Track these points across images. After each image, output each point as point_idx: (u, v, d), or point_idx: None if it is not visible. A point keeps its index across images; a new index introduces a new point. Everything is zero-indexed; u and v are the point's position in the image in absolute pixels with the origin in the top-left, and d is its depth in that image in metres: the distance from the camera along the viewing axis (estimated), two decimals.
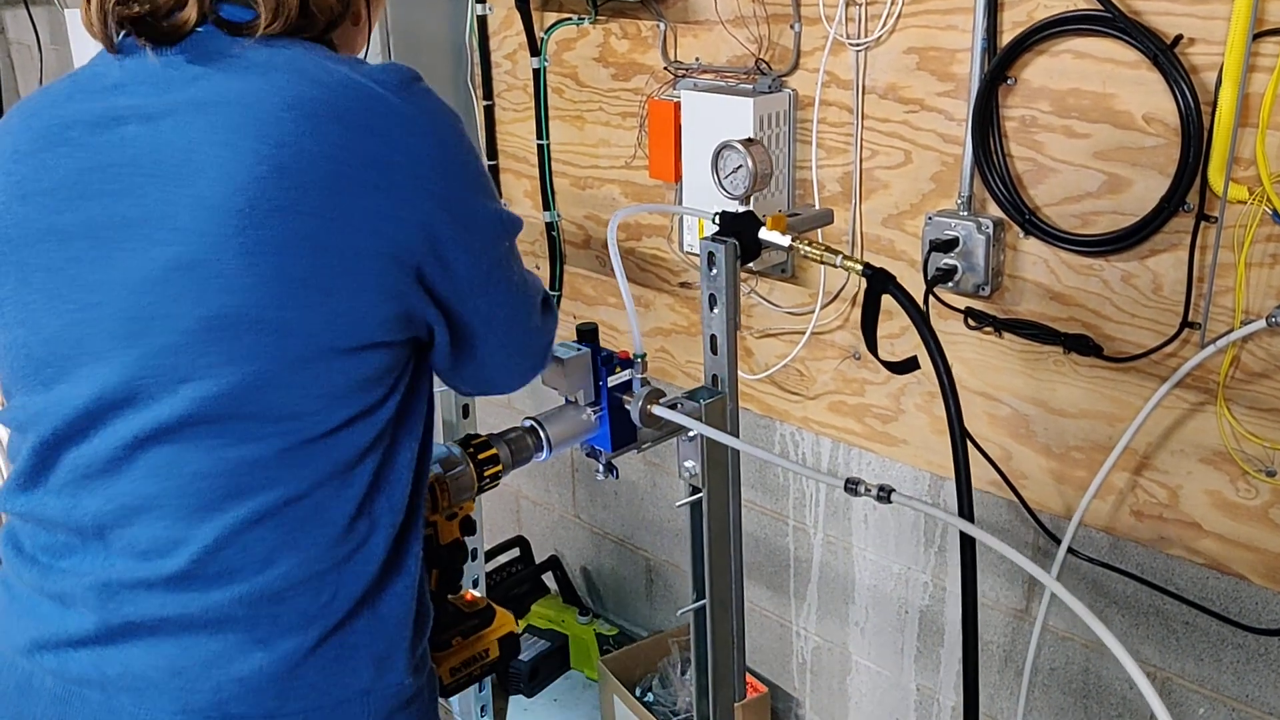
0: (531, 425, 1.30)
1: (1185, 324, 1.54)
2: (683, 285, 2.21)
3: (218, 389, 0.93)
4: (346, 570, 1.00)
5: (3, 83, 3.85)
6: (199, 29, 0.97)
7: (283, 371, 0.94)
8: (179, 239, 0.92)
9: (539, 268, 2.48)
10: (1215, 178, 1.44)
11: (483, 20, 2.38)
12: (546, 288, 2.42)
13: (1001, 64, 1.61)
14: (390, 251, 0.95)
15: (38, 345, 0.99)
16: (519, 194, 2.48)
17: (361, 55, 1.12)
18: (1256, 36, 1.38)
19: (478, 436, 1.29)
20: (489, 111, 2.45)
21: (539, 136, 2.34)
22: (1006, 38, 1.61)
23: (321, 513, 0.98)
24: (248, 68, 0.95)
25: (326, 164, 0.92)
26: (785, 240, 1.31)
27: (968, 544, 1.33)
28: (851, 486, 1.10)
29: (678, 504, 1.38)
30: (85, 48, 2.74)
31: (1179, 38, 1.45)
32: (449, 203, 0.98)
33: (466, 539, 1.30)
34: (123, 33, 0.98)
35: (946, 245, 1.71)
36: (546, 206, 2.39)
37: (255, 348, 0.93)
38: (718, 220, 1.33)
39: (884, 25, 1.74)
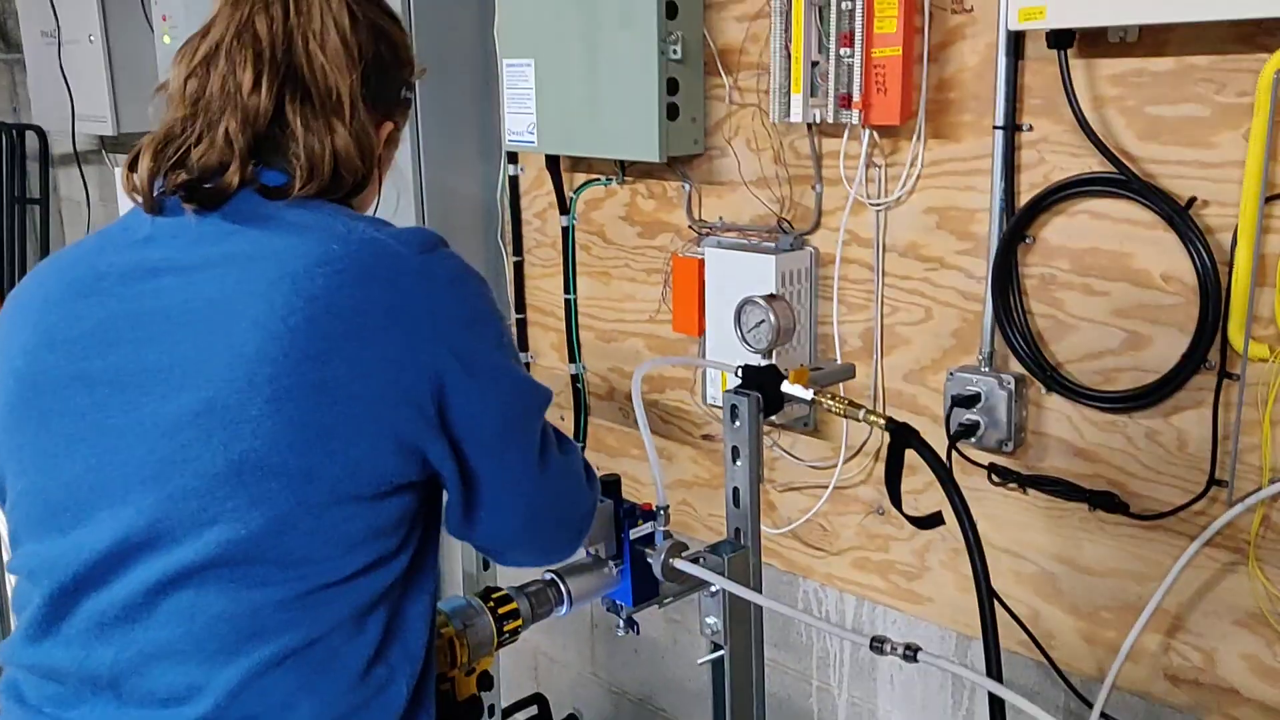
0: (552, 579, 1.30)
1: (1212, 481, 1.53)
2: (705, 438, 2.22)
3: (242, 532, 0.95)
4: (366, 716, 1.01)
5: (51, 237, 3.99)
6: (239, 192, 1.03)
7: (305, 516, 0.96)
8: (209, 385, 0.95)
9: (563, 418, 2.50)
10: (1235, 336, 1.45)
11: (514, 180, 2.46)
12: (572, 438, 2.45)
13: (1020, 223, 1.64)
14: (410, 399, 0.98)
15: (55, 490, 1.00)
16: (545, 346, 2.51)
17: (374, 210, 1.18)
18: (1269, 200, 1.40)
19: (498, 589, 1.28)
20: (518, 267, 2.50)
21: (566, 291, 2.39)
22: (1024, 198, 1.65)
23: (338, 657, 0.99)
24: (281, 226, 1.01)
25: (354, 316, 0.96)
26: (807, 394, 1.32)
27: (996, 706, 1.29)
28: (877, 645, 1.08)
29: (699, 662, 1.36)
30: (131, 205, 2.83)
31: (1193, 200, 1.48)
32: (465, 354, 1.01)
33: (483, 694, 1.28)
34: (167, 196, 1.04)
35: (969, 401, 1.71)
36: (572, 359, 2.42)
37: (279, 492, 0.95)
38: (741, 374, 1.34)
39: (903, 186, 1.78)
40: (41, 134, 3.85)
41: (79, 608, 0.99)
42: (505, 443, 1.07)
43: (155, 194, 1.04)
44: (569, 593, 1.29)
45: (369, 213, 1.16)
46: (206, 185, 1.02)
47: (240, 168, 1.02)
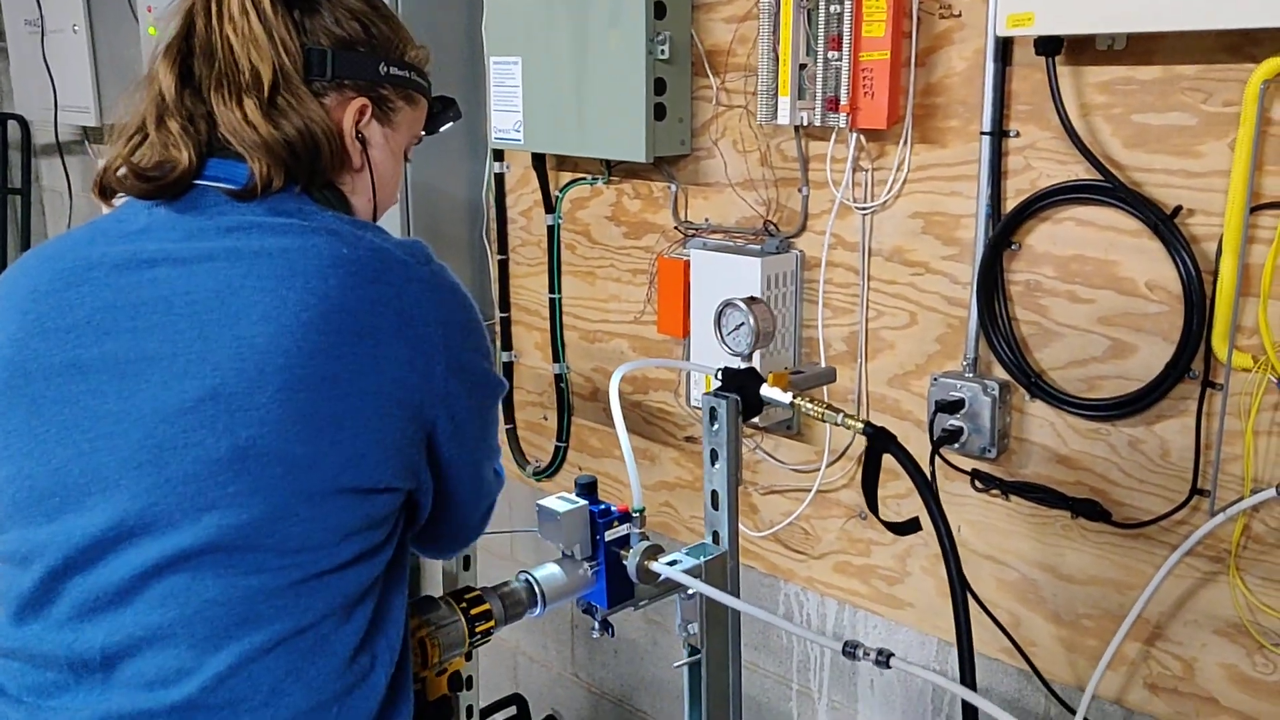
0: (526, 580, 1.28)
1: (1194, 491, 1.52)
2: (688, 439, 2.21)
3: (241, 518, 0.96)
4: (349, 702, 1.02)
5: (32, 227, 3.96)
6: (215, 195, 1.05)
7: (303, 505, 0.98)
8: (216, 372, 0.96)
9: (546, 418, 2.49)
10: (1219, 345, 1.45)
11: (500, 178, 2.45)
12: (556, 439, 2.44)
13: (1005, 230, 1.64)
14: (413, 401, 1.02)
15: (44, 476, 1.00)
16: (529, 346, 2.50)
17: (370, 201, 1.18)
18: (1254, 210, 1.40)
19: (471, 590, 1.27)
20: (503, 265, 2.49)
21: (551, 290, 2.37)
22: (1010, 204, 1.64)
23: (327, 644, 1.01)
24: (284, 228, 1.03)
25: (367, 316, 1.00)
26: (786, 397, 1.31)
27: (970, 714, 1.28)
28: (850, 650, 1.07)
29: (676, 665, 1.35)
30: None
31: (1178, 208, 1.47)
32: (463, 366, 1.07)
33: (461, 695, 1.26)
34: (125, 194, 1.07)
35: (952, 406, 1.71)
36: (556, 358, 2.41)
37: (279, 480, 0.97)
38: (720, 377, 1.33)
39: (890, 190, 1.78)
40: (24, 124, 3.83)
41: (67, 591, 0.99)
42: (480, 442, 1.13)
43: (109, 191, 1.08)
44: (542, 594, 1.27)
45: (368, 211, 1.18)
46: (152, 174, 1.05)
47: (184, 155, 1.05)
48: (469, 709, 2.13)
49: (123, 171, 1.06)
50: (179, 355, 0.97)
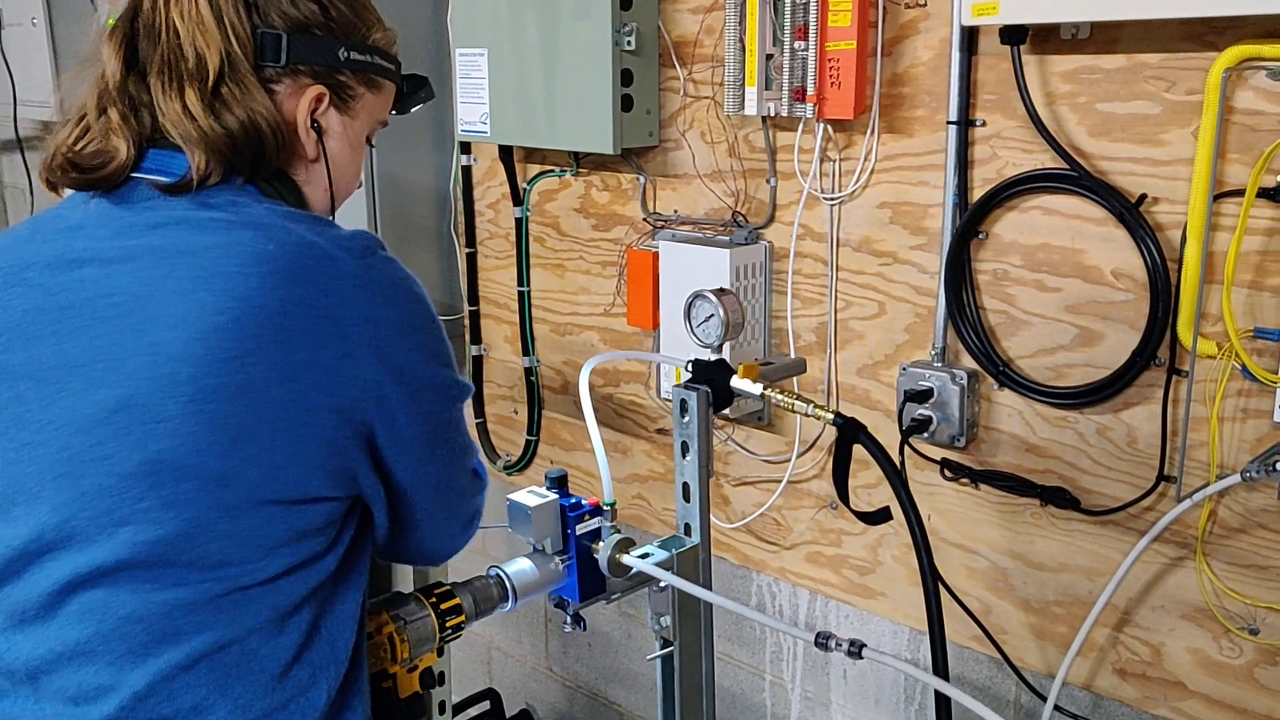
0: (497, 575, 1.27)
1: (1161, 478, 1.53)
2: (659, 432, 2.20)
3: (155, 533, 0.93)
4: (282, 719, 0.98)
5: None
6: (146, 188, 1.01)
7: (221, 519, 0.94)
8: (126, 382, 0.92)
9: (517, 412, 2.48)
10: (1184, 333, 1.46)
11: (467, 170, 2.43)
12: (526, 433, 2.43)
13: (973, 219, 1.64)
14: (339, 406, 0.96)
15: None
16: (499, 339, 2.49)
17: (326, 192, 1.14)
18: (1217, 198, 1.41)
19: (440, 585, 1.26)
20: (471, 259, 2.48)
21: (520, 283, 2.36)
22: (977, 194, 1.64)
23: (254, 660, 0.97)
24: (211, 223, 0.98)
25: (282, 319, 0.94)
26: (756, 389, 1.31)
27: (943, 704, 1.29)
28: (822, 641, 1.07)
29: (649, 658, 1.35)
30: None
31: (1143, 197, 1.48)
32: (400, 366, 1.00)
33: (433, 691, 1.26)
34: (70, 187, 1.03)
35: (921, 396, 1.71)
36: (526, 352, 2.40)
37: (194, 495, 0.93)
38: (690, 368, 1.33)
39: (857, 180, 1.78)
40: None
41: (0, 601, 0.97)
42: (433, 450, 1.07)
43: (56, 184, 1.04)
44: (513, 589, 1.27)
45: (324, 202, 1.14)
46: (88, 165, 1.01)
47: (123, 145, 1.01)
48: (441, 705, 2.12)
49: (61, 161, 1.02)
50: (95, 362, 0.94)
